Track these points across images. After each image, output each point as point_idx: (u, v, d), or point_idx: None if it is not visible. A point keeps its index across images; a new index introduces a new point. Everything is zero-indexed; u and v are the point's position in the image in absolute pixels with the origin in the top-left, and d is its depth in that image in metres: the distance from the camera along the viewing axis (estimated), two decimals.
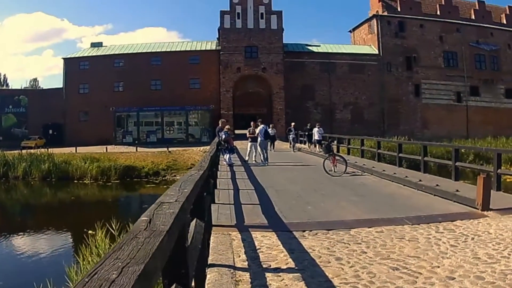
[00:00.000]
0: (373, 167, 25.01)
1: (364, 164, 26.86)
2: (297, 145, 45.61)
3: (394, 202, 15.23)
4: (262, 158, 29.96)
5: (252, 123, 32.58)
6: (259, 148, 30.42)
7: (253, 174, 23.76)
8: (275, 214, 12.78)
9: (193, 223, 6.88)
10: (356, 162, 28.36)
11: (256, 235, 10.27)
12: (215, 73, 73.67)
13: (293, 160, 33.62)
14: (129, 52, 77.86)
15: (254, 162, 30.12)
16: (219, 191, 16.80)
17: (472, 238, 9.97)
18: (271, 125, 44.57)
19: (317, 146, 39.24)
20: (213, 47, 76.93)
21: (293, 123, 46.38)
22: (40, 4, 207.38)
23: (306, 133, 44.47)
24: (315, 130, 38.87)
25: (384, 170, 23.03)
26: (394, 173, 21.45)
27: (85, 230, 17.47)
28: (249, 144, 31.22)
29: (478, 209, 13.15)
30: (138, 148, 58.44)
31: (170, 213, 3.79)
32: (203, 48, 77.98)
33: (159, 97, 71.58)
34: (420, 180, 18.41)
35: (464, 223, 11.63)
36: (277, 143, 45.20)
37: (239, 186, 18.78)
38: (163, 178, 45.42)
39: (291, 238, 10.01)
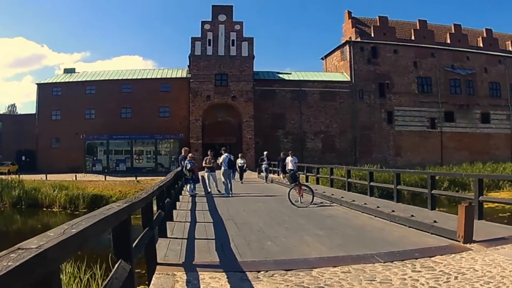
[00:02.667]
0: (342, 197, 23.71)
1: (332, 194, 25.47)
2: (270, 175, 44.09)
3: (364, 235, 13.82)
4: (225, 188, 28.68)
5: (209, 151, 30.82)
6: (222, 178, 29.04)
7: (214, 205, 22.45)
8: (229, 251, 11.35)
9: (116, 266, 5.78)
10: (324, 192, 27.11)
11: (204, 276, 8.88)
12: (185, 101, 72.98)
13: (260, 191, 32.26)
14: (101, 79, 76.97)
15: (217, 193, 28.79)
16: (174, 224, 15.59)
17: (456, 277, 8.51)
18: (240, 155, 43.70)
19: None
20: (184, 75, 76.13)
21: (265, 152, 45.07)
22: (21, 28, 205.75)
23: (280, 163, 40.11)
24: (289, 159, 36.25)
25: (354, 200, 21.55)
26: (365, 203, 20.04)
27: None
28: (206, 174, 29.73)
29: (459, 241, 11.82)
30: (107, 177, 57.31)
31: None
32: (174, 76, 77.19)
33: (129, 125, 70.89)
34: (393, 211, 16.94)
35: (444, 259, 10.16)
36: (246, 173, 43.54)
37: (197, 218, 17.50)
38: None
39: (242, 281, 8.64)
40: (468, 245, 11.47)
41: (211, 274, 8.99)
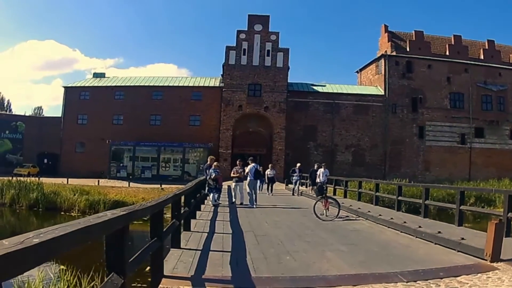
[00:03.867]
0: (369, 211, 23.23)
1: (359, 208, 24.98)
2: (300, 188, 42.36)
3: (388, 252, 13.17)
4: (250, 199, 28.16)
5: (238, 161, 30.13)
6: (247, 188, 28.47)
7: (236, 216, 21.86)
8: (244, 265, 10.76)
9: (106, 280, 5.41)
10: (351, 205, 26.59)
11: None
12: (216, 111, 72.52)
13: (286, 203, 31.56)
14: (131, 84, 76.84)
15: (241, 203, 28.22)
16: (191, 234, 15.14)
17: None
18: (270, 165, 43.06)
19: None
20: (217, 84, 75.74)
21: (298, 164, 42.87)
22: (52, 32, 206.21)
23: (312, 175, 38.66)
24: (321, 171, 35.61)
25: (380, 215, 21.14)
26: (391, 218, 19.57)
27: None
28: (234, 184, 29.11)
29: (486, 260, 11.31)
30: (131, 184, 57.10)
31: None
32: (206, 84, 76.83)
33: (158, 132, 70.83)
34: (419, 226, 16.48)
35: (470, 279, 9.62)
36: (274, 185, 42.79)
37: (216, 229, 16.95)
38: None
39: None
40: (495, 264, 10.96)
41: None
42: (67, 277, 13.48)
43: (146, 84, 76.54)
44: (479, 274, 10.02)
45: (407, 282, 9.39)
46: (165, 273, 9.32)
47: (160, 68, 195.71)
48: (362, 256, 12.36)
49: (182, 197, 15.33)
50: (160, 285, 8.59)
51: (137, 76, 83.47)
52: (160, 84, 76.54)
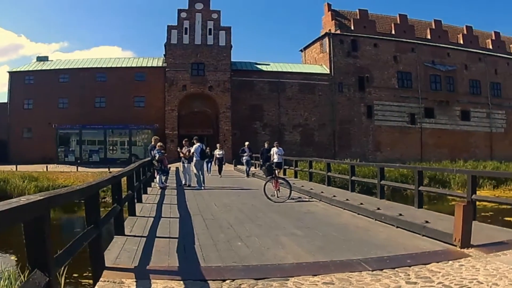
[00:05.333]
0: (322, 192, 22.44)
1: (311, 189, 24.25)
2: (251, 168, 41.32)
3: (347, 236, 12.36)
4: (197, 181, 27.35)
5: (184, 141, 29.79)
6: (194, 170, 27.57)
7: (184, 199, 21.12)
8: (192, 253, 9.91)
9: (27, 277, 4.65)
10: (303, 186, 26.03)
11: (157, 285, 7.44)
12: (161, 91, 71.39)
13: (236, 184, 30.95)
14: (74, 67, 74.98)
15: (189, 185, 27.55)
16: (136, 219, 14.26)
17: None
18: (218, 146, 41.89)
19: (276, 170, 34.84)
20: (160, 64, 74.66)
21: (247, 143, 41.58)
22: None
23: (263, 154, 36.48)
24: (274, 150, 32.87)
25: (334, 196, 20.36)
26: (347, 199, 18.79)
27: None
28: (182, 165, 28.77)
29: (456, 246, 10.46)
30: (80, 168, 55.90)
31: None
32: (149, 65, 75.44)
33: (103, 115, 69.15)
34: (378, 208, 15.73)
35: (441, 267, 8.82)
36: (224, 166, 41.78)
37: (163, 213, 16.13)
38: (102, 200, 42.80)
39: None
40: (466, 251, 10.14)
41: (165, 283, 7.57)
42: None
43: (89, 66, 75.08)
44: (450, 262, 9.26)
45: (372, 271, 8.62)
46: (107, 264, 8.45)
47: (104, 50, 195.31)
48: (320, 241, 11.63)
49: (124, 180, 14.62)
50: (101, 279, 7.71)
51: (80, 58, 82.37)
52: (103, 66, 75.08)
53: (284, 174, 34.49)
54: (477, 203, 15.10)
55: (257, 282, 7.73)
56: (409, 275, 8.31)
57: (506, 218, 26.76)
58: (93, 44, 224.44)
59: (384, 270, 8.63)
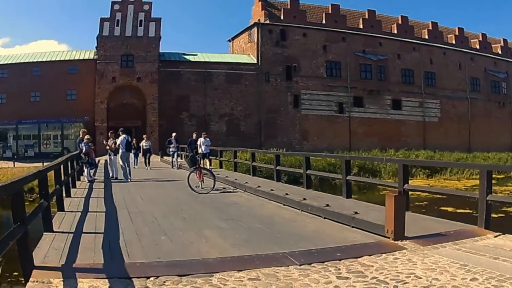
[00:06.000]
0: (247, 182, 22.35)
1: (236, 179, 24.19)
2: (180, 160, 40.43)
3: (273, 228, 12.17)
4: (124, 173, 27.11)
5: (109, 133, 29.31)
6: (120, 162, 27.39)
7: (110, 192, 20.76)
8: (117, 249, 9.56)
9: None
10: (227, 176, 26.16)
11: (83, 284, 7.17)
12: (92, 84, 70.58)
13: (162, 176, 30.73)
14: (11, 62, 73.39)
15: (116, 178, 27.27)
16: (65, 215, 13.90)
17: (395, 287, 7.04)
18: (145, 137, 41.81)
19: (203, 161, 32.86)
20: (91, 56, 73.58)
21: (174, 134, 40.96)
22: None
23: (190, 145, 36.15)
24: (201, 140, 34.02)
25: (259, 186, 20.14)
26: (272, 190, 18.54)
27: None
28: (109, 158, 28.53)
29: (389, 238, 10.19)
30: (17, 164, 54.85)
31: None
32: (82, 58, 74.37)
33: (38, 109, 68.11)
34: (304, 199, 15.50)
35: (375, 261, 8.55)
36: (152, 157, 41.32)
37: (90, 207, 15.78)
38: (38, 196, 42.03)
39: None
40: (400, 243, 9.89)
41: (91, 282, 7.30)
42: None
43: (25, 61, 73.39)
44: (383, 255, 9.01)
45: (300, 265, 8.34)
46: (36, 263, 8.15)
47: (41, 44, 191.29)
48: (245, 234, 11.48)
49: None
50: (30, 279, 7.44)
51: (20, 53, 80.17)
52: (37, 60, 73.58)
53: (210, 164, 34.48)
54: (411, 192, 15.11)
55: (181, 278, 7.50)
56: (340, 269, 8.07)
57: (442, 208, 27.09)
58: (32, 39, 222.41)
59: (312, 264, 8.39)
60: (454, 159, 61.38)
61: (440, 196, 24.57)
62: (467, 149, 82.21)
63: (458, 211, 24.54)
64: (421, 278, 7.43)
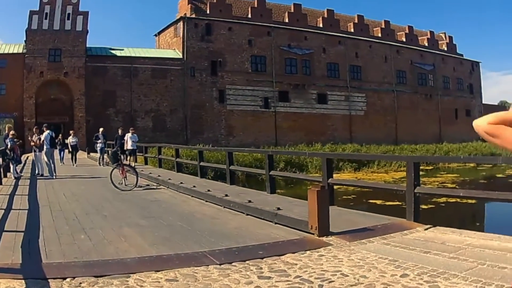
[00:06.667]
0: (169, 178, 22.16)
1: (159, 176, 23.98)
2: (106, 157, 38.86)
3: (193, 226, 11.91)
4: (49, 170, 26.53)
5: (34, 129, 29.01)
6: (45, 158, 26.73)
7: (35, 189, 20.19)
8: (35, 248, 9.18)
9: None
10: (151, 173, 25.85)
11: (0, 285, 6.85)
12: (20, 78, 68.86)
13: (87, 172, 30.20)
14: None
15: (41, 175, 26.70)
16: None
17: (320, 286, 6.73)
18: (71, 132, 40.53)
19: (130, 158, 33.26)
20: (21, 50, 71.73)
21: (101, 129, 40.03)
22: None
23: (117, 141, 34.29)
24: (128, 136, 32.85)
25: (181, 182, 19.98)
26: (194, 186, 18.38)
27: None
28: (34, 154, 27.92)
29: (313, 234, 9.94)
30: None
31: None
32: (11, 51, 72.27)
33: None
34: (226, 195, 15.25)
35: (298, 258, 8.28)
36: (78, 154, 40.53)
37: (14, 205, 15.24)
38: None
39: None
40: (325, 239, 9.67)
41: (8, 283, 7.01)
42: None
43: None
44: (308, 252, 8.72)
45: (220, 264, 8.06)
46: None
47: None
48: (165, 232, 11.23)
49: None
50: None
51: None
52: None
53: (136, 161, 34.06)
54: (338, 186, 15.09)
55: (98, 280, 7.21)
56: (261, 268, 7.80)
57: (371, 201, 27.14)
58: None
59: (233, 264, 8.10)
60: (381, 151, 62.10)
61: (368, 189, 24.66)
62: (394, 141, 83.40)
63: (387, 203, 24.64)
64: (347, 275, 7.20)
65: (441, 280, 6.74)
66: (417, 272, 7.17)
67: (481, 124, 2.96)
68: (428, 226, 10.73)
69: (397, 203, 21.36)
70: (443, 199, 25.58)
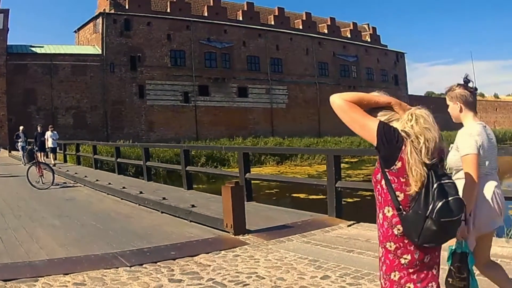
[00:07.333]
0: (86, 176, 21.66)
1: (76, 173, 23.44)
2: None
3: (107, 225, 11.51)
4: None
5: None
6: None
7: None
8: None
9: None
10: (68, 170, 25.35)
11: None
12: None
13: (7, 171, 28.85)
14: None
15: None
16: None
17: None
18: None
19: (51, 156, 33.14)
20: None
21: (21, 127, 38.85)
22: None
23: (37, 139, 33.99)
24: (48, 134, 32.81)
25: (97, 180, 19.65)
26: (109, 183, 18.05)
27: None
28: None
29: (229, 232, 9.73)
30: None
31: None
32: None
33: None
34: (141, 192, 15.03)
35: (213, 259, 8.04)
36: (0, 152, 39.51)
37: None
38: None
39: None
40: (241, 238, 9.45)
41: None
42: None
43: None
44: (222, 252, 8.50)
45: (130, 266, 7.71)
46: None
47: None
48: (77, 232, 10.77)
49: None
50: None
51: None
52: None
53: (56, 158, 33.30)
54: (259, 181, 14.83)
55: (6, 283, 6.77)
56: (173, 270, 7.50)
57: (294, 194, 26.66)
58: None
59: (144, 265, 7.77)
60: (304, 144, 62.51)
61: (288, 184, 24.41)
62: (317, 134, 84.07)
63: (311, 197, 24.38)
64: (264, 278, 6.92)
65: (366, 282, 6.49)
66: (339, 274, 6.90)
67: (337, 99, 3.37)
68: (352, 222, 10.58)
69: (322, 196, 21.01)
70: (369, 193, 25.54)
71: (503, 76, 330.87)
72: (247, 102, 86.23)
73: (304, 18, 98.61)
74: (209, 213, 11.03)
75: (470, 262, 4.41)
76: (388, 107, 3.52)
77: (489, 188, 4.59)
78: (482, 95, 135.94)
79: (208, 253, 8.44)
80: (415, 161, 3.17)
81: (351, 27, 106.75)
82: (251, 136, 69.12)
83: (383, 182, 3.33)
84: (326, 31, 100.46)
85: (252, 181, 15.38)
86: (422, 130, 3.25)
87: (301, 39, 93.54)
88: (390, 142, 3.24)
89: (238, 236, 9.51)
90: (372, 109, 3.45)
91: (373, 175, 3.49)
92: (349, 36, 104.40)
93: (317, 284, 6.48)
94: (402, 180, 3.23)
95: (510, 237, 9.43)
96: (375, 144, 3.29)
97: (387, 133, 3.25)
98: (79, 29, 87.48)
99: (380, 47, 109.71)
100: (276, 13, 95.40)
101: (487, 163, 4.57)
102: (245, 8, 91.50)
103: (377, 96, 3.54)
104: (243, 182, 13.46)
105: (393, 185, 3.25)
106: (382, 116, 3.46)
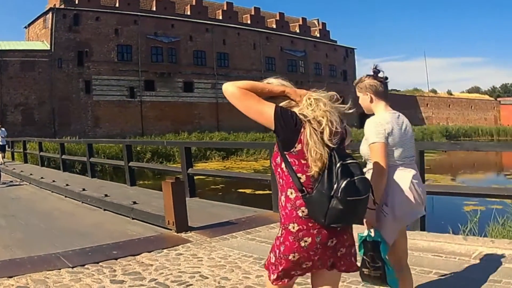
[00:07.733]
0: (31, 174, 21.33)
1: (22, 171, 23.23)
2: None
3: (50, 224, 11.25)
4: None
5: None
6: None
7: None
8: None
9: None
10: (14, 168, 25.13)
11: None
12: None
13: None
14: None
15: None
16: None
17: None
18: None
19: (0, 155, 32.49)
20: None
21: None
22: None
23: None
24: None
25: (42, 178, 19.32)
26: (53, 181, 17.78)
27: None
28: None
29: (171, 230, 9.62)
30: None
31: None
32: None
33: None
34: (84, 189, 14.74)
35: (155, 258, 7.86)
36: None
37: None
38: None
39: None
40: (183, 235, 9.34)
41: None
42: None
43: None
44: (165, 251, 8.35)
45: (73, 267, 7.44)
46: None
47: None
48: (21, 232, 10.50)
49: None
50: None
51: None
52: None
53: (4, 157, 33.04)
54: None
55: None
56: (115, 270, 7.28)
57: (240, 190, 26.71)
58: None
59: (86, 266, 7.53)
60: (250, 139, 62.64)
61: (232, 179, 24.37)
62: (263, 129, 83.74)
63: (258, 192, 24.37)
64: (207, 278, 6.77)
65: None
66: None
67: (229, 87, 3.57)
68: None
69: (268, 192, 21.09)
70: None
71: (460, 73, 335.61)
72: (193, 97, 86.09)
73: (252, 13, 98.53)
74: (151, 210, 10.89)
75: (382, 250, 4.45)
76: (283, 95, 3.61)
77: (406, 178, 4.59)
78: (434, 91, 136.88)
79: (150, 251, 8.29)
80: (314, 142, 3.29)
81: (300, 22, 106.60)
82: (196, 131, 69.27)
83: (283, 165, 3.44)
84: (274, 26, 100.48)
85: (196, 177, 15.35)
86: (324, 113, 3.36)
87: (248, 34, 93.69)
88: (288, 125, 3.38)
89: (180, 233, 9.43)
90: (268, 99, 3.56)
91: (272, 158, 3.61)
92: (298, 31, 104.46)
93: (263, 283, 6.25)
94: (303, 162, 3.35)
95: (467, 234, 9.46)
96: (273, 128, 3.45)
97: (284, 116, 3.40)
98: (29, 24, 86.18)
99: (329, 42, 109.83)
100: (225, 8, 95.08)
101: (399, 151, 4.58)
102: (194, 3, 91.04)
103: (271, 85, 3.65)
104: (185, 178, 13.48)
105: (294, 167, 3.36)
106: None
